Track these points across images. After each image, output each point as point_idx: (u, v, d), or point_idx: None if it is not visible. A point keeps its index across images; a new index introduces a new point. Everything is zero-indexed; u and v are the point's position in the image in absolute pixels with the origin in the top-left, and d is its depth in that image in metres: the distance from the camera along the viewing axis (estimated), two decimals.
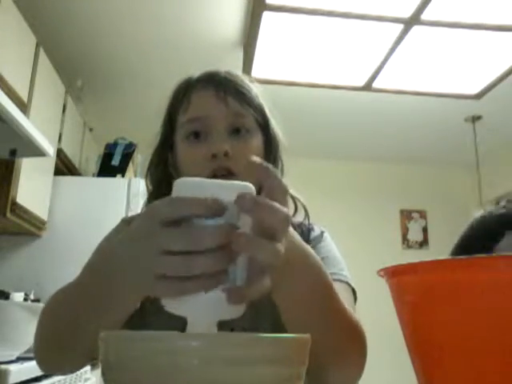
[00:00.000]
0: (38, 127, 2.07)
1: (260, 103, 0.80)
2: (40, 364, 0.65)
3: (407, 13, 2.38)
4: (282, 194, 0.44)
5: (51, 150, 2.25)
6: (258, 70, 2.91)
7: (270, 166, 0.44)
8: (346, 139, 4.12)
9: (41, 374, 1.68)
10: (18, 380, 1.50)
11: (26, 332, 1.59)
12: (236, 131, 0.75)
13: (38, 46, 2.37)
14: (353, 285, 0.76)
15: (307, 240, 0.79)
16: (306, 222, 0.82)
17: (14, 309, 1.66)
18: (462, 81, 3.05)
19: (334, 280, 0.72)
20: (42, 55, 2.42)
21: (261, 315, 0.70)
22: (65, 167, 2.97)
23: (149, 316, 0.68)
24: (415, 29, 2.51)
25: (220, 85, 0.77)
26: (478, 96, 3.23)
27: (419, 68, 2.92)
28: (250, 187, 0.44)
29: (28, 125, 1.95)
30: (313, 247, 0.78)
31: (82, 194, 2.83)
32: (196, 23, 2.63)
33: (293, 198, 0.81)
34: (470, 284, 0.40)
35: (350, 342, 0.61)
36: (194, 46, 2.82)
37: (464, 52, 2.72)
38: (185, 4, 2.47)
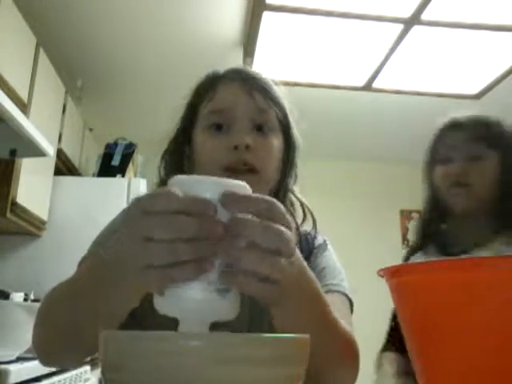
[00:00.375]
0: (38, 127, 2.07)
1: (283, 104, 0.79)
2: (40, 360, 0.65)
3: (407, 13, 2.38)
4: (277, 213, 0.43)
5: (51, 150, 2.25)
6: (257, 70, 2.91)
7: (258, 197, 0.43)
8: (346, 139, 4.12)
9: (41, 373, 1.68)
10: (18, 380, 1.50)
11: (26, 332, 1.58)
12: (258, 128, 0.75)
13: (37, 46, 2.37)
14: (350, 296, 0.76)
15: (312, 248, 0.79)
16: (313, 232, 0.82)
17: (14, 309, 1.66)
18: (462, 81, 3.05)
19: (333, 291, 0.73)
20: (42, 55, 2.42)
21: (258, 321, 0.70)
22: (65, 167, 2.97)
23: (146, 316, 0.68)
24: (415, 29, 2.51)
25: (246, 79, 0.77)
26: (478, 96, 3.23)
27: (419, 68, 2.92)
28: (245, 186, 0.44)
29: (28, 125, 1.95)
30: (315, 256, 0.78)
31: (82, 194, 2.83)
32: (196, 23, 2.63)
33: (302, 205, 0.81)
34: (470, 284, 0.40)
35: (343, 356, 0.61)
36: (194, 46, 2.82)
37: (464, 52, 2.72)
38: (184, 4, 2.47)
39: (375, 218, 4.37)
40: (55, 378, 1.76)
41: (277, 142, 0.77)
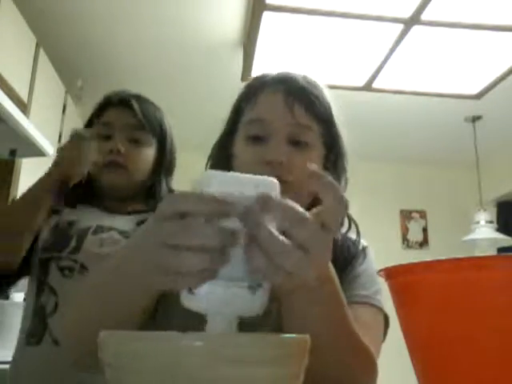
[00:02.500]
0: (37, 127, 2.06)
1: (330, 116, 0.77)
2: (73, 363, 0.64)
3: (407, 13, 2.38)
4: (334, 215, 0.43)
5: (51, 150, 2.25)
6: (258, 70, 2.91)
7: (332, 181, 0.43)
8: (346, 139, 4.12)
9: None
10: None
11: None
12: (296, 143, 0.72)
13: (37, 46, 2.37)
14: (385, 310, 0.72)
15: (351, 255, 0.76)
16: (355, 238, 0.79)
17: (14, 309, 1.66)
18: (462, 81, 3.05)
19: (362, 303, 0.70)
20: (42, 55, 2.42)
21: (266, 324, 0.70)
22: None
23: (170, 311, 0.69)
24: (415, 29, 2.50)
25: (290, 90, 0.74)
26: (478, 96, 3.23)
27: (419, 68, 2.91)
28: (273, 182, 0.44)
29: (28, 125, 1.95)
30: (352, 263, 0.75)
31: None
32: (196, 23, 2.63)
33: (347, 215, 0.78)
34: (470, 284, 0.40)
35: (358, 368, 0.60)
36: (194, 46, 2.82)
37: (464, 52, 2.72)
38: (185, 4, 2.47)
39: (375, 218, 4.37)
40: None
41: (314, 156, 0.75)
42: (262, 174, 0.68)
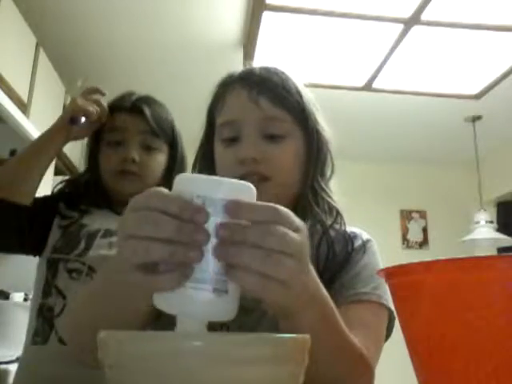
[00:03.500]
0: (37, 127, 2.07)
1: (301, 103, 0.75)
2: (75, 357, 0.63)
3: (407, 13, 2.38)
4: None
5: None
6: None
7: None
8: (346, 139, 4.11)
9: None
10: None
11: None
12: (270, 137, 0.72)
13: (37, 46, 2.37)
14: (388, 304, 0.69)
15: (350, 251, 0.74)
16: (350, 231, 0.77)
17: (14, 309, 1.66)
18: (462, 81, 3.05)
19: (364, 301, 0.68)
20: (42, 55, 2.42)
21: (262, 326, 0.69)
22: (65, 167, 2.97)
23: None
24: (415, 29, 2.50)
25: (253, 85, 0.73)
26: (478, 96, 3.23)
27: (419, 68, 2.91)
28: (249, 187, 0.44)
29: (28, 125, 1.95)
30: (350, 259, 0.73)
31: None
32: (196, 23, 2.63)
33: (328, 204, 0.77)
34: (470, 284, 0.40)
35: (354, 375, 0.59)
36: (194, 46, 2.82)
37: (464, 52, 2.72)
38: (185, 4, 2.47)
39: (375, 218, 4.37)
40: None
41: (292, 147, 0.74)
42: (238, 173, 0.69)
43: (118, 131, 1.14)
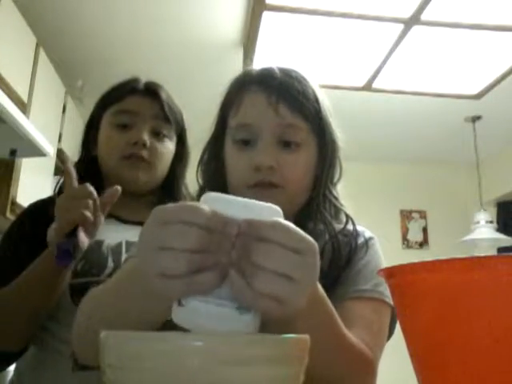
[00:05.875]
0: (38, 127, 2.06)
1: (318, 111, 0.74)
2: (80, 359, 0.63)
3: (407, 13, 2.38)
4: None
5: (51, 150, 2.25)
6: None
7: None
8: (346, 139, 4.12)
9: None
10: None
11: None
12: (285, 143, 0.70)
13: (38, 46, 2.37)
14: (390, 301, 0.68)
15: (354, 249, 0.74)
16: (352, 229, 0.77)
17: None
18: (462, 81, 3.05)
19: (365, 298, 0.68)
20: (42, 55, 2.42)
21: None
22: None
23: None
24: (415, 29, 2.50)
25: (273, 89, 0.71)
26: (478, 96, 3.23)
27: (419, 68, 2.91)
28: (277, 210, 0.44)
29: (28, 125, 1.95)
30: (352, 257, 0.73)
31: None
32: (196, 23, 2.63)
33: (335, 206, 0.77)
34: (470, 284, 0.40)
35: (356, 376, 0.60)
36: (194, 46, 2.82)
37: (464, 52, 2.72)
38: (185, 4, 2.47)
39: (375, 218, 4.37)
40: None
41: (307, 155, 0.73)
42: (252, 180, 0.69)
43: (128, 114, 1.05)
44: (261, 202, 0.44)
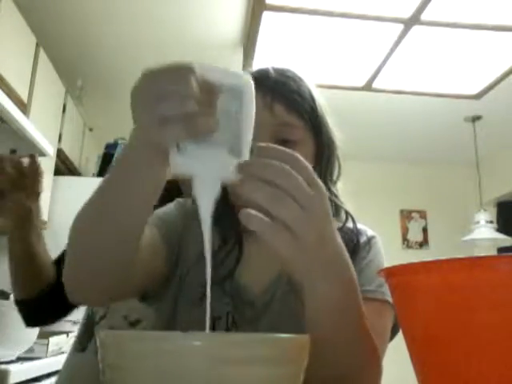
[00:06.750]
0: (38, 127, 2.07)
1: (314, 109, 0.74)
2: (69, 296, 0.60)
3: (407, 13, 2.38)
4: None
5: (51, 150, 2.25)
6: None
7: (283, 149, 0.46)
8: (346, 139, 4.12)
9: (41, 373, 1.68)
10: (18, 380, 1.50)
11: (26, 332, 1.59)
12: (283, 141, 0.71)
13: (38, 46, 2.37)
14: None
15: (355, 248, 0.74)
16: (353, 227, 0.77)
17: (14, 309, 1.66)
18: (462, 81, 3.05)
19: (369, 299, 0.67)
20: (42, 55, 2.42)
21: (284, 323, 0.69)
22: (65, 167, 2.97)
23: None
24: (415, 29, 2.51)
25: (268, 89, 0.71)
26: (478, 96, 3.23)
27: (419, 68, 2.92)
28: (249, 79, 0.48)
29: (28, 125, 1.95)
30: (354, 256, 0.72)
31: (82, 194, 2.80)
32: (196, 23, 2.63)
33: (334, 204, 0.76)
34: (470, 284, 0.40)
35: (368, 363, 0.59)
36: (194, 46, 2.82)
37: (464, 52, 2.72)
38: (184, 4, 2.47)
39: (375, 218, 4.37)
40: (55, 378, 1.76)
41: (302, 153, 0.72)
42: None
43: None
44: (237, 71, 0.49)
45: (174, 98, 0.42)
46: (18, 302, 1.12)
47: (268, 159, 0.44)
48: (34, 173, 1.06)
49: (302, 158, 0.46)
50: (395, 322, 0.71)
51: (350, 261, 0.53)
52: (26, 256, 1.06)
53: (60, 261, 1.12)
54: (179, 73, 0.43)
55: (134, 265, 0.57)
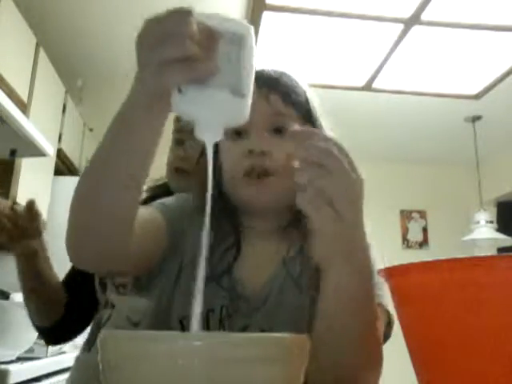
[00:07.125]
0: (38, 127, 2.06)
1: (306, 102, 0.77)
2: (73, 260, 0.60)
3: (407, 13, 2.38)
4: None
5: (51, 150, 2.25)
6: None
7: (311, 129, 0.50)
8: (346, 139, 4.11)
9: (41, 373, 1.68)
10: (18, 380, 1.50)
11: (26, 332, 1.59)
12: (277, 131, 0.73)
13: (38, 46, 2.37)
14: (389, 308, 0.67)
15: None
16: None
17: (14, 309, 1.66)
18: (462, 81, 3.05)
19: None
20: (42, 55, 2.42)
21: (279, 318, 0.69)
22: (65, 167, 2.97)
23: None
24: (415, 29, 2.51)
25: (263, 82, 0.73)
26: (478, 96, 3.23)
27: (419, 68, 2.92)
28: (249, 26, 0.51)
29: (28, 125, 1.95)
30: None
31: None
32: None
33: None
34: (470, 284, 0.40)
35: (372, 356, 0.59)
36: None
37: (464, 52, 2.72)
38: (184, 4, 2.47)
39: (375, 218, 4.36)
40: (55, 378, 1.76)
41: None
42: (244, 164, 0.71)
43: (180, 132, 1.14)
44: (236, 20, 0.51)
45: (174, 40, 0.43)
46: (37, 327, 1.17)
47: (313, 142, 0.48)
48: (33, 218, 1.09)
49: (342, 145, 0.51)
50: (386, 327, 0.70)
51: (371, 252, 0.56)
52: (36, 285, 1.11)
53: (67, 282, 1.15)
54: (179, 16, 0.45)
55: (132, 222, 0.56)
